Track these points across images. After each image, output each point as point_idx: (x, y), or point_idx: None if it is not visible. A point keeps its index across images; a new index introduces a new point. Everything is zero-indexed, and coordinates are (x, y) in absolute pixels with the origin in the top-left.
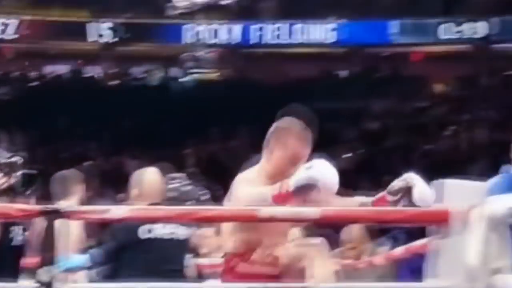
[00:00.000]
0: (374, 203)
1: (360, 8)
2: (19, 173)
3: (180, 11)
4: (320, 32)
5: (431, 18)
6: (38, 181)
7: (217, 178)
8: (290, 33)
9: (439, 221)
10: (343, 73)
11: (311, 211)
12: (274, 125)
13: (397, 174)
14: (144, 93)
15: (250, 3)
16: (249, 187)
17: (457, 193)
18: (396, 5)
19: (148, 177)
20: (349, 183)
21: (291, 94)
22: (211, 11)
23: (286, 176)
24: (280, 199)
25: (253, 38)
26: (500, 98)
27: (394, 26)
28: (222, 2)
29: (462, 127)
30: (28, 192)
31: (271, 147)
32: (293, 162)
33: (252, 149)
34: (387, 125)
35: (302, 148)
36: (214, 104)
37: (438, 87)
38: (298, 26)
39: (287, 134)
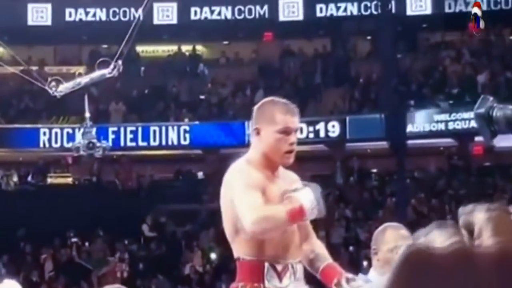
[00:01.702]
0: None
1: (213, 110)
2: None
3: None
4: (175, 134)
5: None
6: None
7: (76, 281)
8: (146, 136)
9: None
10: (199, 174)
11: None
12: (256, 107)
13: None
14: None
15: (103, 107)
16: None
17: None
18: (249, 106)
19: None
20: None
21: (147, 197)
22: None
23: (281, 156)
24: (297, 215)
25: (109, 141)
26: (355, 196)
27: (248, 127)
28: None
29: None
30: None
31: (258, 129)
32: (287, 134)
33: (109, 251)
34: None
35: (291, 118)
36: (71, 208)
37: None
38: (154, 128)
39: (272, 108)
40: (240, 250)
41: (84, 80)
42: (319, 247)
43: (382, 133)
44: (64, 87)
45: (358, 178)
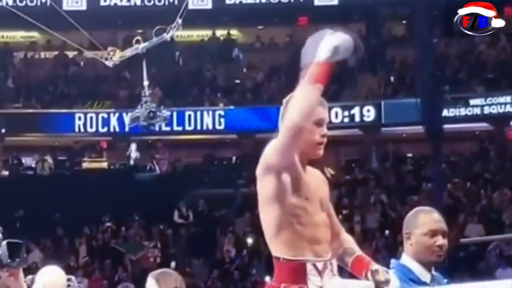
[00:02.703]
0: None
1: (247, 95)
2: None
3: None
4: (210, 118)
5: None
6: (23, 252)
7: (111, 265)
8: (181, 120)
9: None
10: (234, 159)
11: None
12: (286, 99)
13: None
14: (35, 182)
15: (139, 91)
16: None
17: None
18: (284, 91)
19: (51, 276)
20: None
21: (182, 181)
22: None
23: (314, 147)
24: (319, 73)
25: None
26: (391, 181)
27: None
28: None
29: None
30: (14, 263)
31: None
32: (319, 125)
33: (145, 235)
34: None
35: (323, 109)
36: (106, 192)
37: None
38: (188, 113)
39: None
40: (280, 250)
41: (142, 45)
42: (348, 241)
43: (417, 117)
44: (123, 54)
45: (393, 162)
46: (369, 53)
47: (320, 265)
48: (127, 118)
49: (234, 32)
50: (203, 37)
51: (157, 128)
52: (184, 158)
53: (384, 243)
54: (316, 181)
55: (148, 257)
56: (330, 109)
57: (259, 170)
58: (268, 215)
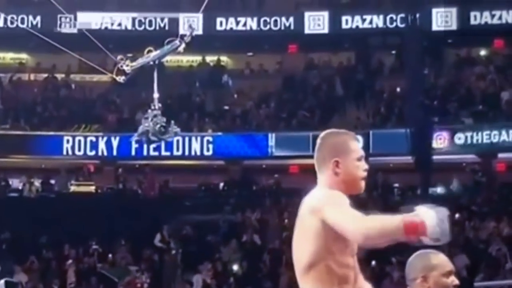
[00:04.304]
0: None
1: (236, 121)
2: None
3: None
4: (198, 144)
5: (305, 131)
6: None
7: None
8: (169, 146)
9: None
10: (221, 185)
11: None
12: (323, 135)
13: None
14: (22, 204)
15: (128, 115)
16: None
17: None
18: (273, 118)
19: None
20: None
21: (169, 206)
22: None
23: (358, 179)
24: (414, 228)
25: (132, 150)
26: (378, 211)
27: (271, 139)
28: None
29: None
30: None
31: (332, 157)
32: (360, 160)
33: (131, 259)
34: (263, 237)
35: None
36: (93, 215)
37: None
38: (177, 138)
39: (347, 138)
40: (312, 285)
41: (154, 54)
42: (366, 287)
43: (406, 148)
44: (135, 63)
45: (382, 192)
46: (358, 82)
47: None
48: (133, 138)
49: (224, 58)
50: (194, 63)
51: (145, 153)
52: (172, 183)
53: (370, 273)
54: None
55: (136, 283)
56: (315, 138)
57: (308, 209)
58: (304, 250)
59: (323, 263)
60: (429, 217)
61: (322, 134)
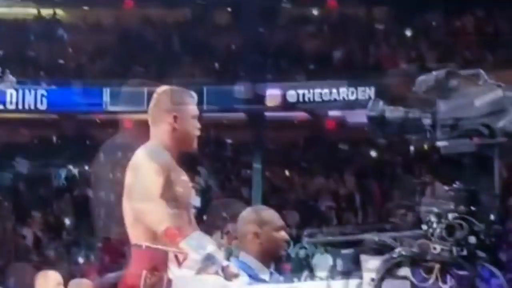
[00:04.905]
0: None
1: (72, 75)
2: None
3: None
4: (32, 97)
5: (140, 86)
6: None
7: None
8: (2, 99)
9: None
10: (55, 139)
11: None
12: (161, 91)
13: None
14: None
15: None
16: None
17: None
18: (108, 72)
19: None
20: None
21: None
22: None
23: (192, 137)
24: (171, 236)
25: None
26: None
27: (106, 94)
28: None
29: None
30: None
31: (169, 112)
32: (194, 119)
33: None
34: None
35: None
36: None
37: None
38: (10, 91)
39: (184, 95)
40: (141, 236)
41: None
42: None
43: (240, 104)
44: None
45: (214, 148)
46: (193, 39)
47: (181, 256)
48: None
49: (59, 12)
50: (27, 16)
51: None
52: (6, 136)
53: (201, 228)
54: (183, 175)
55: None
56: (150, 94)
57: (131, 166)
58: (126, 206)
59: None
60: (189, 245)
61: (160, 89)
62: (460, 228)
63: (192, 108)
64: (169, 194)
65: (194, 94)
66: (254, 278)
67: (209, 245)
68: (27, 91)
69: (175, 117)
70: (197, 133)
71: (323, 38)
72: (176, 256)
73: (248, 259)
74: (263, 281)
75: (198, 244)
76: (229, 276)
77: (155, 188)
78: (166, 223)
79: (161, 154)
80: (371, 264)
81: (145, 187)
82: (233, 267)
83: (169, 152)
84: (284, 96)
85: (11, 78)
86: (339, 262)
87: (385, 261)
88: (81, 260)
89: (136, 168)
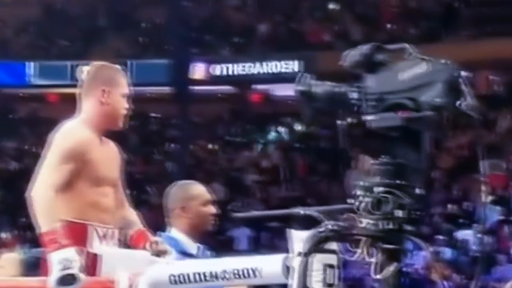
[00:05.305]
0: None
1: None
2: None
3: None
4: None
5: (65, 60)
6: None
7: None
8: None
9: None
10: None
11: None
12: (94, 65)
13: None
14: None
15: None
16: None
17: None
18: (32, 47)
19: None
20: None
21: None
22: None
23: (119, 115)
24: (45, 242)
25: None
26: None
27: (30, 68)
28: None
29: None
30: None
31: (100, 86)
32: (124, 97)
33: None
34: (23, 166)
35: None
36: None
37: None
38: None
39: (117, 72)
40: (62, 210)
41: None
42: (131, 215)
43: (164, 78)
44: None
45: (139, 122)
46: (118, 12)
47: (102, 231)
48: None
49: None
50: None
51: None
52: None
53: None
54: (109, 152)
55: None
56: (74, 67)
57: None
58: (51, 175)
59: (73, 188)
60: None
61: (93, 64)
62: (387, 201)
63: (123, 87)
64: (91, 174)
65: (122, 70)
66: (183, 253)
67: (75, 268)
68: None
69: (103, 91)
70: (125, 112)
71: (248, 11)
72: (97, 231)
73: (177, 234)
74: (191, 256)
75: (65, 264)
76: (158, 252)
77: (54, 182)
78: (50, 225)
79: (80, 133)
80: (298, 238)
81: (45, 180)
82: (162, 243)
83: (94, 129)
84: (208, 70)
85: None
86: (264, 236)
87: (313, 235)
88: (5, 234)
89: (50, 152)
